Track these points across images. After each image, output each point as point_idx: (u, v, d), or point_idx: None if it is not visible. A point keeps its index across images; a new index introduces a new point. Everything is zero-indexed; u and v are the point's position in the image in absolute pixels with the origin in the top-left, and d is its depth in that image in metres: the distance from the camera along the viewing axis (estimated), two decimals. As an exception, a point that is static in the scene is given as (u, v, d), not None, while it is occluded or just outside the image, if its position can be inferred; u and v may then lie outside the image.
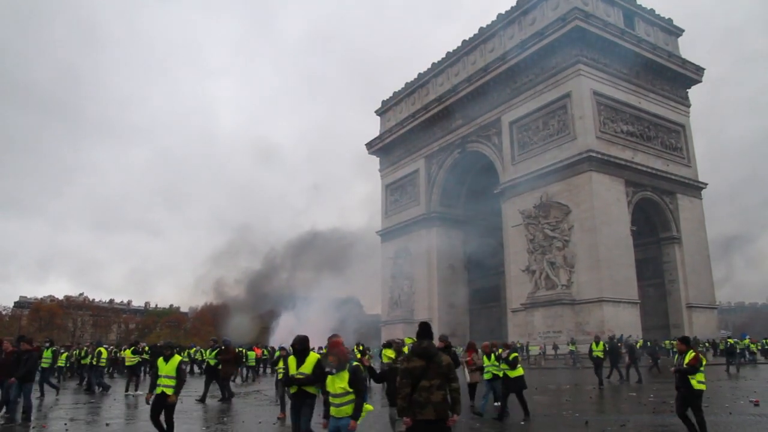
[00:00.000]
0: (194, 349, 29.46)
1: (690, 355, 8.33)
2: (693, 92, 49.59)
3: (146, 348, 23.68)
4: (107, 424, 11.37)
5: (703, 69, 49.11)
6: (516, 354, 11.63)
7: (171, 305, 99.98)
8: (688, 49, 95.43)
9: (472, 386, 12.36)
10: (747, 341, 31.78)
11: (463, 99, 51.49)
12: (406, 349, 9.28)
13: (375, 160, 66.36)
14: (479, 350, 12.42)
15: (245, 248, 79.76)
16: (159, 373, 8.07)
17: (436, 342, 7.49)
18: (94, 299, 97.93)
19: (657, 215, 45.15)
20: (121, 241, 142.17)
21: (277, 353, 15.37)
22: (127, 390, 18.17)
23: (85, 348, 22.28)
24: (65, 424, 11.48)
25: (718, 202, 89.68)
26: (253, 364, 26.29)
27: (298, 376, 6.81)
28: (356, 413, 5.63)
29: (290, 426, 7.89)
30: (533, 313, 41.42)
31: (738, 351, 27.33)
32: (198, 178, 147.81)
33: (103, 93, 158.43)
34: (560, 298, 39.53)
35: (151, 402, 8.16)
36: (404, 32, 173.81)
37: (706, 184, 47.73)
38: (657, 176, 43.83)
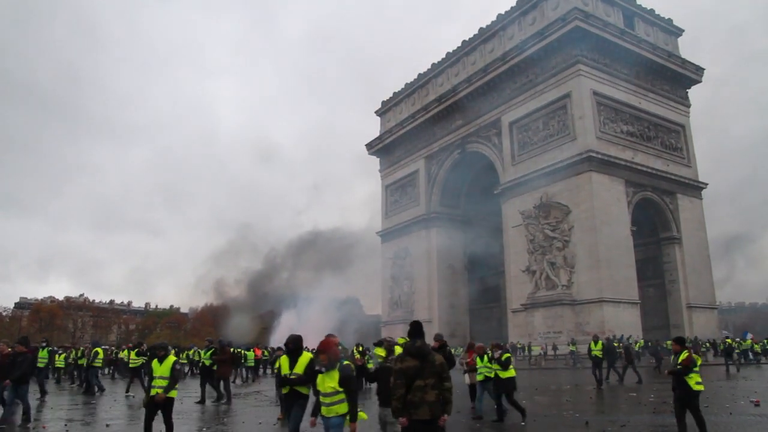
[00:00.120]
0: (192, 350, 29.38)
1: (683, 356, 8.29)
2: (693, 92, 49.72)
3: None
4: (107, 425, 11.35)
5: (703, 69, 49.15)
6: (508, 355, 11.56)
7: (171, 306, 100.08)
8: (691, 48, 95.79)
9: (473, 387, 12.32)
10: (749, 341, 31.56)
11: (463, 99, 51.49)
12: (398, 348, 9.20)
13: (375, 161, 66.38)
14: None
15: (246, 248, 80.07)
16: (154, 375, 7.97)
17: (429, 341, 7.47)
18: (94, 300, 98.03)
19: (657, 215, 45.13)
20: (121, 241, 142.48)
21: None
22: (127, 391, 18.16)
23: (82, 349, 22.19)
24: (65, 424, 11.46)
25: (719, 202, 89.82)
26: (252, 364, 26.31)
27: (291, 377, 6.74)
28: (353, 416, 5.54)
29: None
30: (533, 313, 41.40)
31: (740, 351, 27.25)
32: (198, 177, 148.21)
33: (104, 93, 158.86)
34: (560, 299, 39.52)
35: (145, 405, 8.03)
36: (404, 32, 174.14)
37: (707, 184, 47.73)
38: (657, 176, 43.81)
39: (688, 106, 48.94)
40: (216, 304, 78.99)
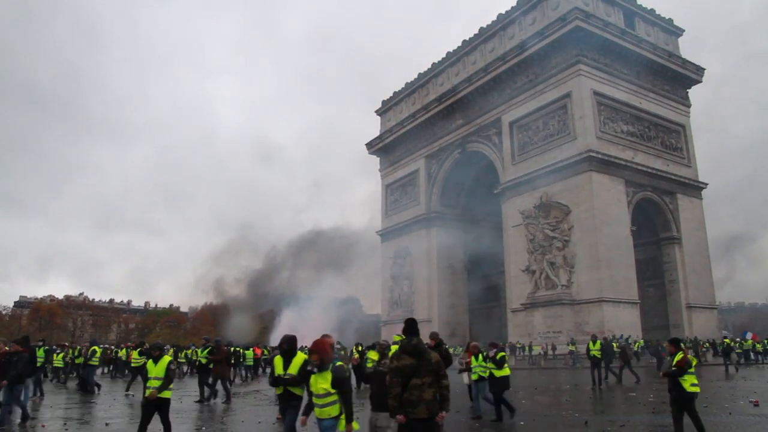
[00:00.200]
0: (191, 349, 29.33)
1: (678, 357, 8.25)
2: (694, 92, 49.69)
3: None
4: (107, 424, 11.35)
5: (704, 69, 49.13)
6: (503, 353, 11.62)
7: (171, 305, 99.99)
8: (691, 48, 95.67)
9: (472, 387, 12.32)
10: (750, 342, 31.38)
11: (463, 99, 51.48)
12: (393, 347, 9.17)
13: (376, 160, 66.36)
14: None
15: (246, 247, 79.90)
16: (149, 376, 7.92)
17: (425, 339, 7.43)
18: (94, 299, 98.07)
19: (657, 215, 45.11)
20: (121, 240, 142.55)
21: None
22: (127, 390, 18.16)
23: (79, 348, 22.16)
24: (64, 423, 11.47)
25: (719, 202, 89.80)
26: (251, 363, 26.29)
27: (285, 377, 6.70)
28: (348, 417, 5.39)
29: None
30: (533, 313, 41.40)
31: (740, 351, 27.14)
32: (198, 177, 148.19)
33: (104, 92, 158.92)
34: (560, 298, 39.51)
35: (142, 406, 7.98)
36: (404, 32, 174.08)
37: (707, 184, 47.70)
38: (657, 176, 43.79)
39: (689, 106, 48.93)
40: (216, 304, 78.93)
